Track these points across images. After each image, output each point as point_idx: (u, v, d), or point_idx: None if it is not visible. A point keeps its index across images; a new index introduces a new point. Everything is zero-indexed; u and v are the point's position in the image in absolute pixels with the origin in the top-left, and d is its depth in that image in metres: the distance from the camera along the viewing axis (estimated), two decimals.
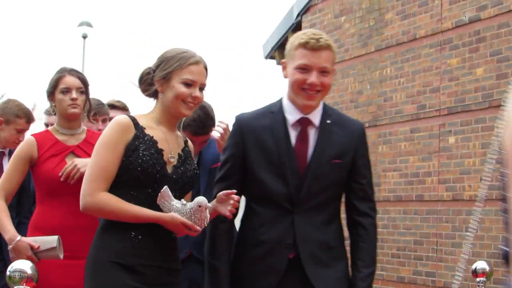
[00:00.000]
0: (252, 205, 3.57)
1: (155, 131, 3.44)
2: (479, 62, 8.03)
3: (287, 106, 3.54)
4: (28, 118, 5.32)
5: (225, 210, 3.37)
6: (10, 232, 4.00)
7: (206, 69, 3.50)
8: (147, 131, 3.41)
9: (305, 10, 10.92)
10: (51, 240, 3.90)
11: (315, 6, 10.78)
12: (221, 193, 3.38)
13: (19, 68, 47.02)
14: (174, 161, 3.46)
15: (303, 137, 3.51)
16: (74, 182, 4.01)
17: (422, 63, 8.77)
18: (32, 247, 3.88)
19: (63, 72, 4.29)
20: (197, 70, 3.44)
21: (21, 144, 4.29)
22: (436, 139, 8.51)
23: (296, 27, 10.89)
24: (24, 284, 3.17)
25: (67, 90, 4.23)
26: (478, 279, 4.63)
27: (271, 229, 3.48)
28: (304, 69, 3.42)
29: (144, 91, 3.55)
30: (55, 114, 4.35)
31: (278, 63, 11.38)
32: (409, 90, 8.93)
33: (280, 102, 3.58)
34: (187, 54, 3.45)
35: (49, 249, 3.89)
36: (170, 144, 3.47)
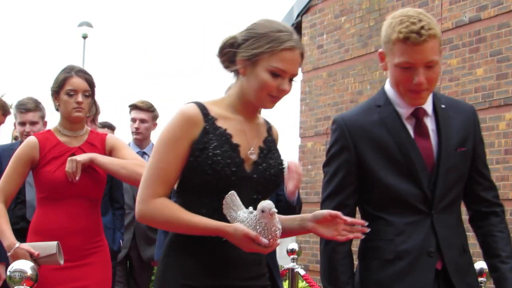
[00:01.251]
0: (377, 214, 2.99)
1: (230, 122, 2.83)
2: (479, 62, 8.04)
3: (395, 98, 3.02)
4: (4, 110, 5.24)
5: (331, 233, 2.74)
6: (9, 238, 3.91)
7: (302, 55, 2.86)
8: (219, 123, 2.80)
9: (305, 10, 10.93)
10: (51, 246, 3.83)
11: (315, 7, 10.79)
12: (324, 212, 2.76)
13: (19, 67, 47.07)
14: (254, 157, 2.84)
15: (421, 129, 3.00)
16: (79, 178, 3.95)
17: None
18: (31, 254, 3.81)
19: (70, 72, 4.13)
20: (291, 58, 2.79)
21: (23, 144, 4.14)
22: None
23: (296, 27, 10.89)
24: (24, 284, 3.17)
25: (73, 93, 4.09)
26: (479, 279, 4.62)
27: (410, 237, 2.93)
28: (406, 67, 2.89)
29: (224, 64, 2.92)
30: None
31: None
32: None
33: (383, 94, 3.07)
34: (283, 35, 2.78)
35: (49, 255, 3.82)
36: (249, 136, 2.86)
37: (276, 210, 2.60)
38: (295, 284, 5.76)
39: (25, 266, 3.27)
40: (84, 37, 20.73)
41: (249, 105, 2.86)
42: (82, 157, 3.99)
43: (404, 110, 2.99)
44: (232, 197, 2.65)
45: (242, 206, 2.65)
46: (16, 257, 3.76)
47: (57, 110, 4.23)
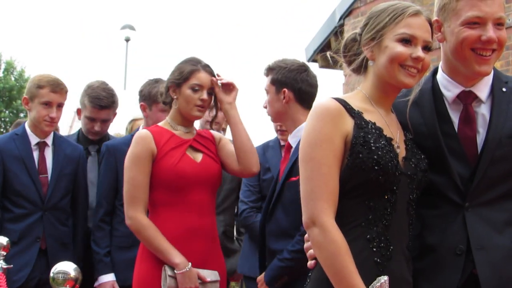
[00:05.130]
0: None
1: (373, 115, 2.57)
2: None
3: (443, 79, 2.77)
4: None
5: None
6: (180, 256, 3.58)
7: (430, 23, 2.62)
8: (365, 116, 2.54)
9: (348, 13, 10.88)
10: (214, 274, 3.71)
11: (358, 9, 10.74)
12: None
13: (63, 71, 47.56)
14: (401, 151, 2.58)
15: (467, 116, 2.73)
16: (201, 166, 3.73)
17: None
18: (201, 279, 3.61)
19: (196, 65, 3.80)
20: (417, 23, 2.54)
21: (136, 141, 3.72)
22: None
23: (339, 30, 10.85)
24: (68, 286, 3.18)
25: (198, 88, 3.77)
26: None
27: (437, 232, 2.65)
28: (475, 23, 2.60)
29: (349, 63, 2.71)
30: (167, 105, 3.91)
31: (321, 66, 11.35)
32: None
33: (431, 74, 2.83)
34: (402, 5, 2.58)
35: (213, 282, 3.69)
36: (392, 129, 2.61)
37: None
38: None
39: (68, 267, 3.28)
40: (127, 40, 20.86)
41: (387, 90, 2.60)
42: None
43: (450, 93, 2.75)
44: (386, 282, 2.35)
45: None
46: (187, 277, 3.56)
47: (165, 103, 3.91)
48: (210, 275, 3.66)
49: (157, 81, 4.70)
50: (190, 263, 3.57)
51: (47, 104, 4.46)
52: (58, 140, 4.60)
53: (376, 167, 2.41)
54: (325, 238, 2.34)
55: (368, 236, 2.42)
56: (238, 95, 3.87)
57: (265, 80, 3.97)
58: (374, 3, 10.39)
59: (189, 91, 3.75)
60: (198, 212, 3.68)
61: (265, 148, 4.89)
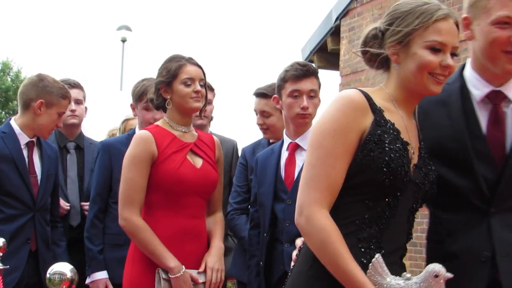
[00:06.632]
0: (430, 209, 2.71)
1: (394, 116, 2.45)
2: None
3: (472, 77, 2.65)
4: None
5: None
6: (174, 260, 3.55)
7: (457, 25, 2.51)
8: (386, 115, 2.43)
9: (344, 14, 10.88)
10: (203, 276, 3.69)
11: (354, 10, 10.75)
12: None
13: (58, 71, 47.52)
14: (415, 158, 2.47)
15: (497, 116, 2.61)
16: (201, 176, 3.69)
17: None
18: (194, 281, 3.59)
19: (181, 60, 3.77)
20: (447, 28, 2.44)
21: (136, 142, 3.67)
22: None
23: (335, 31, 10.86)
24: (64, 286, 3.17)
25: (190, 82, 3.72)
26: None
27: (460, 238, 2.54)
28: (506, 23, 2.48)
29: (368, 60, 2.59)
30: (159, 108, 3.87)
31: (317, 67, 11.35)
32: None
33: (459, 72, 2.70)
34: (431, 7, 2.45)
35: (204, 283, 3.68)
36: (410, 134, 2.48)
37: (450, 275, 2.23)
38: None
39: (64, 268, 3.27)
40: (123, 40, 20.85)
41: (410, 96, 2.49)
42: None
43: (479, 92, 2.63)
44: (379, 259, 2.25)
45: (388, 272, 2.26)
46: (181, 282, 3.54)
47: (158, 106, 3.85)
48: (202, 276, 3.64)
49: (144, 79, 4.67)
50: (184, 267, 3.55)
51: (61, 115, 4.42)
52: (39, 140, 4.49)
53: (385, 169, 2.31)
54: (313, 227, 2.28)
55: (359, 235, 2.34)
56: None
57: (308, 83, 3.96)
58: (371, 4, 10.40)
59: (182, 86, 3.71)
60: (191, 214, 3.68)
61: (256, 147, 4.86)
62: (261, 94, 4.69)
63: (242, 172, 4.81)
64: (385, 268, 2.24)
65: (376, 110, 2.39)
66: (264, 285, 3.95)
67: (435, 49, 2.41)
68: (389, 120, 2.40)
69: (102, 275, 4.49)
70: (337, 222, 2.32)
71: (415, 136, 2.51)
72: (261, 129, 4.80)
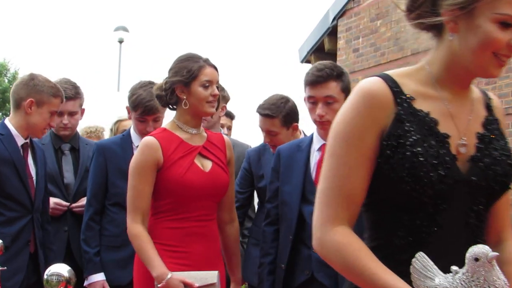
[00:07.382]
0: None
1: (433, 102, 2.01)
2: None
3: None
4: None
5: None
6: (159, 267, 3.46)
7: None
8: (417, 104, 1.98)
9: (341, 14, 10.90)
10: (211, 276, 3.52)
11: (351, 10, 10.76)
12: None
13: (56, 72, 47.45)
14: (464, 150, 1.99)
15: None
16: (209, 179, 3.61)
17: None
18: (188, 285, 3.47)
19: (199, 61, 3.67)
20: None
21: (142, 149, 3.60)
22: None
23: (332, 31, 10.88)
24: (61, 287, 3.17)
25: (208, 84, 3.63)
26: None
27: None
28: (507, 24, 1.94)
29: (414, 18, 2.04)
30: (172, 107, 3.75)
31: None
32: None
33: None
34: None
35: (207, 286, 3.50)
36: (460, 119, 2.03)
37: (495, 254, 1.79)
38: None
39: (62, 269, 3.27)
40: (120, 41, 20.82)
41: (462, 75, 2.04)
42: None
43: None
44: (423, 259, 1.83)
45: (438, 270, 1.82)
46: (169, 285, 3.43)
47: (168, 104, 3.75)
48: (201, 279, 3.55)
49: (141, 85, 4.51)
50: (170, 274, 3.45)
51: (53, 114, 4.33)
52: (31, 141, 4.43)
53: (407, 178, 1.89)
54: (327, 250, 1.93)
55: (397, 257, 1.95)
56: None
57: (324, 89, 3.74)
58: (368, 4, 10.41)
59: (200, 89, 3.61)
60: (200, 218, 3.64)
61: (261, 152, 4.76)
62: (266, 115, 4.55)
63: (245, 178, 4.73)
64: (432, 265, 1.83)
65: (402, 101, 1.97)
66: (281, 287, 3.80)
67: (506, 23, 1.93)
68: (421, 110, 1.97)
69: (99, 277, 4.47)
70: (370, 243, 1.99)
71: (473, 120, 2.06)
72: (269, 146, 4.68)
